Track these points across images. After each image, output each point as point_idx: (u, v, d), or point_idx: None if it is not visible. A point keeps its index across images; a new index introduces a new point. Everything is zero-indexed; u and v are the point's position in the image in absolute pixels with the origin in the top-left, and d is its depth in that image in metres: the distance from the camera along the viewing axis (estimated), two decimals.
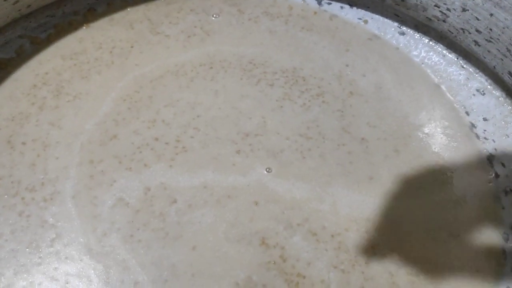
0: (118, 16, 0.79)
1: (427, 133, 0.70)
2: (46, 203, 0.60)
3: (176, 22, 0.79)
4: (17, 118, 0.67)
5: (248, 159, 0.65)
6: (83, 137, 0.66)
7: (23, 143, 0.65)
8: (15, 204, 0.60)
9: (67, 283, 0.56)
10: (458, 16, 0.72)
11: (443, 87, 0.76)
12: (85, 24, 0.77)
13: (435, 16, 0.76)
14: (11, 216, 0.59)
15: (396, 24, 0.82)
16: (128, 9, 0.80)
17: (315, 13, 0.83)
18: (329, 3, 0.84)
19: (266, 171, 0.64)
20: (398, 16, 0.82)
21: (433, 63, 0.78)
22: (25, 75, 0.71)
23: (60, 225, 0.59)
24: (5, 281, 0.55)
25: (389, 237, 0.61)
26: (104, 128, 0.67)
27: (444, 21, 0.75)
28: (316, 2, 0.84)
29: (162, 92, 0.71)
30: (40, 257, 0.57)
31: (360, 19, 0.83)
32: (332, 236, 0.60)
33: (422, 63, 0.78)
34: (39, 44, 0.74)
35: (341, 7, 0.84)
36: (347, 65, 0.77)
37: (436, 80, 0.76)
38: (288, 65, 0.76)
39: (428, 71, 0.77)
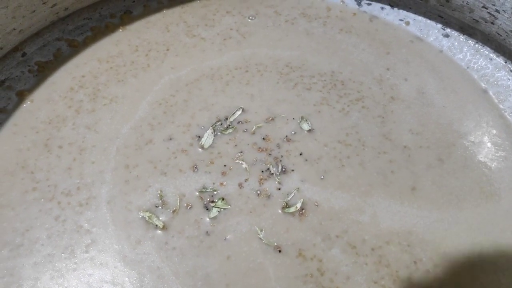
0: (154, 18, 0.79)
1: (472, 142, 0.67)
2: (82, 208, 0.60)
3: (212, 25, 0.78)
4: (54, 121, 0.67)
5: (284, 166, 0.63)
6: (118, 141, 0.65)
7: (60, 147, 0.65)
8: (52, 208, 0.60)
9: None
10: (508, 17, 0.68)
11: (490, 92, 0.72)
12: (121, 27, 0.77)
13: (482, 18, 0.72)
14: (48, 220, 0.59)
15: (440, 25, 0.78)
16: (164, 11, 0.80)
17: (354, 14, 0.81)
18: (369, 4, 0.81)
19: (303, 179, 0.63)
20: (442, 17, 0.78)
21: (479, 67, 0.74)
22: (63, 78, 0.71)
23: (95, 231, 0.58)
24: (41, 285, 0.55)
25: (433, 251, 0.58)
26: (139, 132, 0.66)
27: (492, 23, 0.71)
28: (355, 2, 0.82)
29: (198, 96, 0.70)
30: (75, 263, 0.56)
31: (401, 20, 0.80)
32: (373, 249, 0.58)
33: (468, 67, 0.74)
34: (76, 47, 0.74)
35: (382, 8, 0.81)
36: (388, 69, 0.74)
37: (482, 85, 0.73)
38: (326, 69, 0.73)
39: (474, 75, 0.74)
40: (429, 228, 0.59)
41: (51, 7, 0.70)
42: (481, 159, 0.66)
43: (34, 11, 0.68)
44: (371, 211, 0.60)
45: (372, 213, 0.60)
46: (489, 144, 0.67)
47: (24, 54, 0.72)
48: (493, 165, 0.65)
